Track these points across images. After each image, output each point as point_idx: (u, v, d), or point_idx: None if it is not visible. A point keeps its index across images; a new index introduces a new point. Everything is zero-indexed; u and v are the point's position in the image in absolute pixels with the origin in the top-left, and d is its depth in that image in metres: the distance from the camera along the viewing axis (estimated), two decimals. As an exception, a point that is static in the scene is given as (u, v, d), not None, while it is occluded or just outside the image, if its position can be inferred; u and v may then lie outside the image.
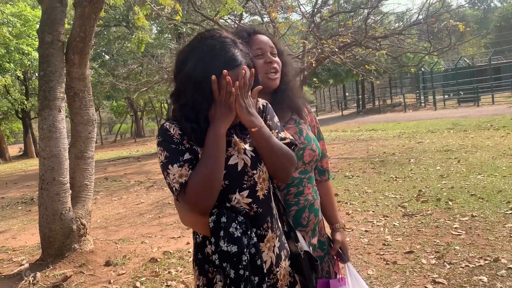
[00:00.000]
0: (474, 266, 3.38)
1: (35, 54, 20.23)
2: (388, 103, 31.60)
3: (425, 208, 5.07)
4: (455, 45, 11.77)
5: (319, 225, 1.81)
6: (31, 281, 3.93)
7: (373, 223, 4.78)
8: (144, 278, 3.88)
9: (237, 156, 1.36)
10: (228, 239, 1.25)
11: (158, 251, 4.66)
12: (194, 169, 1.28)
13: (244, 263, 1.25)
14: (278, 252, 1.42)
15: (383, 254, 3.84)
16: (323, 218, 1.91)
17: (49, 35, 4.27)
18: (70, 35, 4.46)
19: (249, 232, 1.30)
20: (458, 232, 4.17)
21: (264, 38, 1.67)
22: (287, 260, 1.46)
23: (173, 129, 1.33)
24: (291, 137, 1.48)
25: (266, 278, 1.34)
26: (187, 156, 1.30)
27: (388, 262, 3.65)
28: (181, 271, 3.99)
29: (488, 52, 32.85)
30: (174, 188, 1.29)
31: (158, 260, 4.32)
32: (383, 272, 3.46)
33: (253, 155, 1.38)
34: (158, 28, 17.83)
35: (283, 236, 1.49)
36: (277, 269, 1.41)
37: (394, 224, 4.65)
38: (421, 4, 12.75)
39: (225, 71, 1.24)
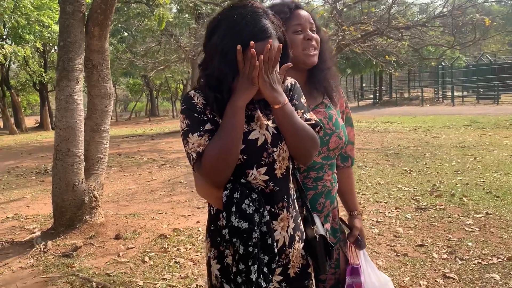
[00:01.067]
0: (486, 263, 3.33)
1: (55, 27, 20.28)
2: (405, 96, 31.19)
3: (438, 203, 5.00)
4: (479, 40, 11.49)
5: (333, 212, 1.77)
6: (42, 249, 3.98)
7: (385, 214, 4.73)
8: (153, 254, 3.91)
9: (259, 132, 1.32)
10: (240, 215, 1.23)
11: (168, 228, 4.68)
12: (211, 140, 1.26)
13: (254, 240, 1.23)
14: (292, 233, 1.40)
15: (394, 246, 3.81)
16: (341, 204, 1.88)
17: (70, 6, 4.24)
18: (91, 7, 4.44)
19: (261, 210, 1.27)
20: (472, 228, 4.10)
21: (304, 13, 1.62)
22: (300, 242, 1.43)
23: (197, 98, 1.32)
24: (316, 119, 1.43)
25: (277, 258, 1.31)
26: (208, 126, 1.28)
27: (399, 254, 3.61)
28: (190, 249, 4.00)
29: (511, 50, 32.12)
30: (191, 157, 1.28)
31: (168, 236, 4.35)
32: (393, 264, 3.43)
33: (275, 132, 1.34)
34: (178, 7, 17.76)
35: (299, 218, 1.46)
36: (290, 249, 1.39)
37: (406, 217, 4.60)
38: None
39: (252, 42, 1.20)
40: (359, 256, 1.84)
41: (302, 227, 1.46)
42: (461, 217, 4.45)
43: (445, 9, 11.59)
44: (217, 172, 1.25)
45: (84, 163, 4.41)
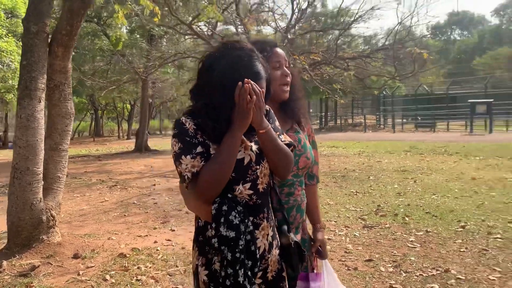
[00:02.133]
0: (427, 275, 3.68)
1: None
2: (349, 122, 32.61)
3: (383, 222, 5.39)
4: (418, 72, 12.44)
5: (303, 225, 2.01)
6: (-4, 269, 3.89)
7: (335, 232, 5.04)
8: (113, 272, 3.94)
9: (244, 152, 1.52)
10: (228, 225, 1.41)
11: (126, 247, 4.71)
12: (208, 162, 1.43)
13: (240, 247, 1.41)
14: (271, 241, 1.59)
15: (344, 261, 4.09)
16: (307, 218, 2.11)
17: (34, 26, 4.29)
18: (56, 28, 4.50)
19: (246, 221, 1.46)
20: (414, 244, 4.49)
21: (281, 51, 1.86)
22: (277, 249, 1.63)
23: (189, 123, 1.48)
24: (290, 139, 1.67)
25: (259, 263, 1.51)
26: (199, 149, 1.45)
27: (350, 268, 3.90)
28: (150, 267, 4.07)
29: (446, 82, 34.59)
30: (186, 177, 1.44)
31: (127, 255, 4.38)
32: (345, 277, 3.70)
33: (258, 152, 1.55)
34: (129, 27, 17.76)
35: (276, 227, 1.67)
36: (269, 255, 1.58)
37: (354, 234, 4.93)
38: (388, 30, 13.41)
39: (247, 80, 1.40)
40: (321, 265, 2.07)
41: (277, 235, 1.66)
42: (404, 235, 4.84)
43: (387, 42, 12.50)
44: (211, 190, 1.44)
45: (42, 182, 4.38)
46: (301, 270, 1.94)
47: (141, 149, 18.14)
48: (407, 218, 5.50)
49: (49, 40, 4.46)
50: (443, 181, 8.10)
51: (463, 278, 3.58)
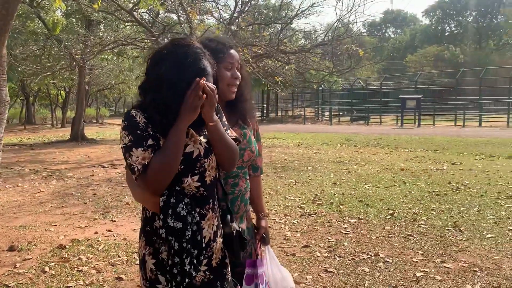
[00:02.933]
0: (358, 259, 3.97)
1: None
2: (290, 114, 33.34)
3: (320, 210, 5.69)
4: (354, 67, 13.01)
5: (247, 214, 2.14)
6: None
7: (275, 221, 5.26)
8: (53, 264, 3.89)
9: (193, 146, 1.61)
10: (175, 217, 1.49)
11: (65, 238, 4.63)
12: (156, 154, 1.50)
13: (187, 237, 1.50)
14: (215, 230, 1.69)
15: (283, 247, 4.31)
16: (251, 207, 2.26)
17: (-34, 8, 4.07)
18: (-11, 11, 4.28)
19: (193, 212, 1.55)
20: (347, 231, 4.80)
21: (235, 53, 1.96)
22: (220, 238, 1.74)
23: (139, 116, 1.54)
24: (236, 135, 1.79)
25: (204, 251, 1.62)
26: (150, 142, 1.51)
27: (288, 254, 4.12)
28: (91, 258, 4.06)
29: (380, 77, 36.28)
30: (136, 169, 1.49)
31: (67, 247, 4.32)
32: (284, 262, 3.91)
33: (206, 146, 1.64)
34: (64, 11, 16.94)
35: (220, 217, 1.78)
36: (214, 244, 1.68)
37: (293, 222, 5.18)
38: (328, 26, 13.88)
39: (197, 79, 1.48)
40: (264, 251, 2.23)
41: (221, 224, 1.78)
42: (338, 222, 5.16)
43: (326, 38, 12.94)
44: (160, 182, 1.50)
45: (-26, 172, 4.19)
46: (245, 257, 2.08)
47: (77, 138, 17.51)
48: (341, 207, 5.84)
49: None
50: (375, 172, 8.61)
51: (390, 261, 3.91)
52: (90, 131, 21.31)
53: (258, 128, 2.24)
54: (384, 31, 73.65)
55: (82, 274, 3.70)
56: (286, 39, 14.24)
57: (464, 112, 23.12)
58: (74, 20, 16.70)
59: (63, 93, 35.63)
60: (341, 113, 30.95)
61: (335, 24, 11.69)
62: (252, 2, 13.89)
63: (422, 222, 5.06)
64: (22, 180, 8.51)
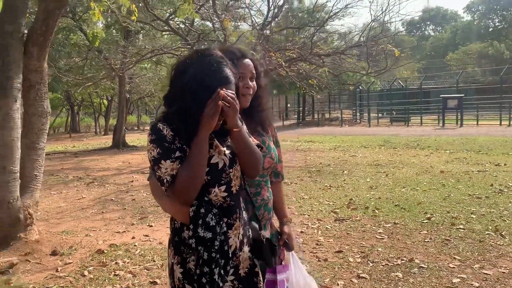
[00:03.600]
0: (392, 264, 3.90)
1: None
2: (326, 117, 33.02)
3: (354, 215, 5.62)
4: (390, 68, 12.76)
5: (270, 221, 2.17)
6: (-26, 267, 3.95)
7: (308, 226, 5.24)
8: (91, 268, 4.04)
9: (217, 156, 1.64)
10: (205, 227, 1.53)
11: (104, 243, 4.80)
12: (182, 165, 1.53)
13: (216, 247, 1.54)
14: (241, 239, 1.71)
15: (316, 253, 4.29)
16: (274, 213, 2.27)
17: (9, 25, 4.32)
18: (31, 28, 4.53)
19: (221, 222, 1.59)
20: (382, 236, 4.72)
21: (248, 62, 1.97)
22: (247, 246, 1.75)
23: (166, 129, 1.58)
24: (258, 141, 1.81)
25: (230, 261, 1.63)
26: (177, 153, 1.55)
27: (320, 259, 4.10)
28: (128, 262, 4.19)
29: (420, 77, 35.36)
30: (165, 180, 1.53)
31: (105, 251, 4.48)
32: (316, 268, 3.90)
33: (231, 156, 1.67)
34: (105, 22, 17.59)
35: (247, 226, 1.78)
36: (240, 253, 1.70)
37: (326, 227, 5.14)
38: (363, 26, 13.68)
39: (218, 89, 1.51)
40: (289, 257, 2.24)
41: (249, 233, 1.78)
42: (373, 227, 5.08)
43: (361, 39, 12.78)
44: (188, 192, 1.54)
45: (19, 180, 4.43)
46: (276, 263, 2.10)
47: (119, 145, 18.06)
48: (377, 211, 5.75)
49: (25, 40, 4.49)
50: (413, 175, 8.41)
51: (426, 266, 3.81)
52: (131, 138, 21.94)
53: (277, 134, 2.26)
54: (423, 29, 71.77)
55: (118, 278, 3.82)
56: (320, 41, 14.20)
57: (510, 110, 22.13)
58: (114, 31, 17.34)
59: (105, 101, 36.86)
60: (380, 115, 30.37)
61: (370, 25, 11.52)
62: (286, 6, 13.93)
63: (461, 226, 4.90)
64: (66, 187, 8.88)
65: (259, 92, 2.04)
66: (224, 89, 1.53)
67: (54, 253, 4.39)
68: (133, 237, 5.05)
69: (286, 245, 2.22)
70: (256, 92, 2.04)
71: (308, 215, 5.74)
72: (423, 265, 3.84)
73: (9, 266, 3.97)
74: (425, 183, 7.49)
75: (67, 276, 3.87)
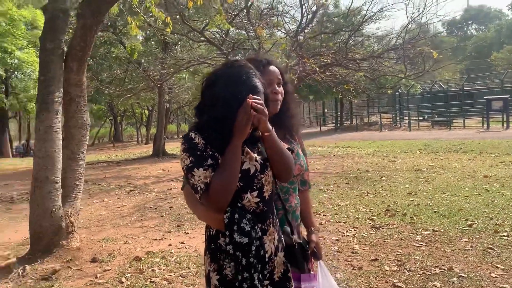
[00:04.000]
0: (430, 273, 3.78)
1: (18, 53, 20.22)
2: (365, 122, 32.47)
3: (391, 222, 5.49)
4: (428, 70, 12.43)
5: (297, 229, 2.16)
6: (20, 273, 4.15)
7: (344, 233, 5.16)
8: (129, 275, 4.15)
9: (249, 163, 1.67)
10: (241, 232, 1.55)
11: (141, 250, 4.92)
12: (215, 172, 1.56)
13: (253, 252, 1.56)
14: (276, 244, 1.73)
15: (350, 261, 4.22)
16: (301, 221, 2.27)
17: (50, 43, 4.55)
18: (70, 44, 4.75)
19: (256, 227, 1.60)
20: (419, 244, 4.59)
21: (274, 69, 2.01)
22: (282, 251, 1.77)
23: (198, 138, 1.62)
24: (288, 146, 1.83)
25: (267, 266, 1.65)
26: (210, 161, 1.58)
27: (355, 268, 4.03)
28: (164, 269, 4.27)
29: (463, 78, 34.19)
30: (199, 188, 1.56)
31: (142, 259, 4.60)
32: (350, 276, 3.83)
33: (262, 162, 1.70)
34: (144, 35, 18.14)
35: (280, 231, 1.81)
36: (275, 258, 1.72)
37: (362, 235, 5.05)
38: (400, 29, 13.42)
39: (250, 95, 1.55)
40: (317, 266, 2.22)
41: (282, 238, 1.81)
42: (410, 234, 4.94)
43: (397, 42, 12.53)
44: (222, 198, 1.57)
45: (61, 190, 4.63)
46: (306, 269, 2.09)
47: (159, 153, 18.49)
48: (415, 218, 5.59)
49: (64, 55, 4.71)
50: (454, 180, 8.12)
51: (466, 276, 3.67)
52: (170, 147, 22.39)
53: (303, 143, 2.27)
54: (465, 29, 69.43)
55: (154, 285, 3.91)
56: (357, 45, 14.01)
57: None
58: (153, 43, 17.84)
59: (146, 111, 37.89)
60: (420, 118, 29.54)
61: (406, 27, 11.28)
62: (320, 11, 13.86)
63: (505, 234, 4.69)
64: (108, 195, 9.18)
65: (286, 98, 2.06)
66: (252, 97, 1.56)
67: (94, 260, 4.54)
68: (170, 244, 5.15)
69: (314, 254, 2.20)
70: (284, 98, 2.06)
71: (344, 223, 5.66)
72: (463, 274, 3.70)
73: (52, 273, 4.15)
74: (467, 189, 7.22)
75: (106, 282, 3.99)
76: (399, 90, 28.85)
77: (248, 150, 1.68)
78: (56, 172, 4.53)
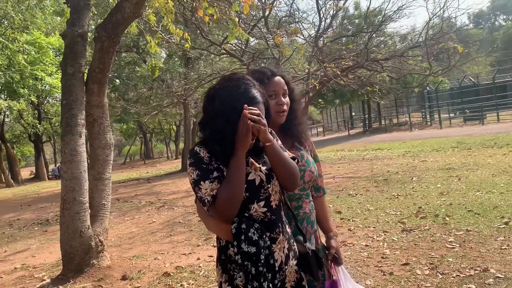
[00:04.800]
0: (464, 275, 3.63)
1: (48, 79, 20.95)
2: (394, 122, 31.86)
3: (423, 224, 5.33)
4: (455, 65, 12.11)
5: (315, 235, 2.12)
6: (53, 294, 4.24)
7: (373, 238, 5.04)
8: (158, 291, 4.18)
9: (254, 173, 1.67)
10: (248, 242, 1.56)
11: (170, 266, 4.95)
12: (221, 185, 1.58)
13: (262, 261, 1.55)
14: (287, 253, 1.72)
15: (381, 266, 4.11)
16: (319, 228, 2.23)
17: (71, 67, 4.68)
18: (89, 67, 4.87)
19: (264, 236, 1.60)
20: (453, 245, 4.42)
21: (279, 80, 2.01)
22: (294, 260, 1.75)
23: (203, 152, 1.65)
24: (293, 154, 1.81)
25: (277, 275, 1.64)
26: (215, 174, 1.61)
27: (385, 273, 3.92)
28: (192, 284, 4.28)
29: (493, 70, 33.12)
30: (206, 200, 1.59)
31: (171, 274, 4.62)
32: (380, 282, 3.73)
33: (267, 172, 1.70)
34: (167, 52, 18.46)
35: (292, 239, 1.79)
36: (286, 267, 1.71)
37: (393, 239, 4.91)
38: (423, 26, 13.14)
39: (245, 105, 1.56)
40: (338, 271, 2.17)
41: (295, 246, 1.79)
42: (443, 236, 4.78)
43: (421, 39, 12.28)
44: (229, 209, 1.58)
45: (89, 210, 4.72)
46: (321, 277, 2.06)
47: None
48: (447, 218, 5.41)
49: (85, 79, 4.83)
50: (489, 176, 7.83)
51: (502, 276, 3.51)
52: (199, 160, 22.52)
53: (315, 149, 2.24)
54: (493, 20, 67.50)
55: (183, 300, 3.91)
56: (379, 46, 13.82)
57: None
58: (177, 59, 18.13)
59: (174, 127, 38.46)
60: (451, 115, 28.73)
61: (427, 23, 11.04)
62: (340, 14, 13.76)
63: (544, 231, 4.47)
64: (138, 212, 9.31)
65: (293, 106, 2.07)
66: (247, 107, 1.56)
67: (124, 278, 4.59)
68: (198, 258, 5.16)
69: (335, 260, 2.16)
70: (291, 107, 2.07)
71: (374, 227, 5.53)
72: (499, 275, 3.54)
73: (83, 292, 4.22)
74: (502, 185, 6.94)
75: (135, 299, 4.03)
76: (427, 87, 28.21)
77: (253, 160, 1.69)
78: (83, 193, 4.63)
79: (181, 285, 4.29)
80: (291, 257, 1.73)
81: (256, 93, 1.64)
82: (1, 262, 6.29)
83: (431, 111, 30.13)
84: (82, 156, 4.64)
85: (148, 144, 45.07)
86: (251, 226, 1.58)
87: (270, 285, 1.57)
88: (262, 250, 1.55)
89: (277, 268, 1.62)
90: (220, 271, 1.72)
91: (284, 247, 1.70)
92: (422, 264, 4.03)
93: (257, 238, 1.56)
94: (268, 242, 1.61)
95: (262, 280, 1.53)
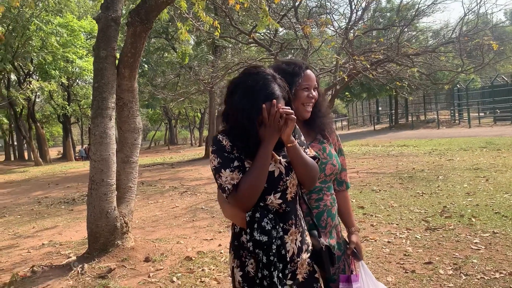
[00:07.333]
0: (489, 278, 3.57)
1: (79, 62, 21.37)
2: (421, 119, 31.28)
3: (447, 223, 5.25)
4: (488, 63, 11.76)
5: (336, 229, 2.13)
6: (79, 271, 4.37)
7: (396, 235, 5.00)
8: (180, 274, 4.26)
9: (274, 165, 1.69)
10: (261, 230, 1.59)
11: (192, 250, 5.03)
12: (245, 175, 1.61)
13: (273, 251, 1.58)
14: (300, 245, 1.73)
15: (403, 264, 4.08)
16: (340, 222, 2.23)
17: (103, 51, 4.75)
18: (121, 51, 4.94)
19: (277, 227, 1.63)
20: (478, 246, 4.35)
21: (312, 74, 2.03)
22: (306, 253, 1.77)
23: (225, 141, 1.68)
24: (315, 153, 1.82)
25: (289, 265, 1.67)
26: (236, 163, 1.64)
27: (407, 271, 3.89)
28: (213, 269, 4.34)
29: (528, 70, 32.07)
30: (226, 188, 1.62)
31: (193, 258, 4.70)
32: (401, 280, 3.70)
33: (286, 165, 1.71)
34: (196, 39, 18.53)
35: (305, 233, 1.80)
36: (298, 259, 1.72)
37: (416, 237, 4.86)
38: (457, 21, 12.81)
39: (274, 100, 1.57)
40: (358, 266, 2.17)
41: (308, 240, 1.80)
42: (468, 236, 4.70)
43: (453, 35, 11.96)
44: (250, 200, 1.61)
45: (116, 192, 4.83)
46: (337, 273, 2.06)
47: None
48: (473, 219, 5.31)
49: (117, 62, 4.91)
50: (518, 179, 7.64)
51: (529, 281, 3.44)
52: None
53: (340, 143, 2.23)
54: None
55: (204, 284, 3.98)
56: (411, 40, 13.54)
57: None
58: (205, 47, 18.20)
59: (199, 114, 38.73)
60: (481, 114, 28.00)
61: (462, 19, 10.74)
62: (372, 6, 13.51)
63: None
64: (162, 196, 9.46)
65: (318, 99, 2.08)
66: (275, 103, 1.58)
67: (147, 260, 4.69)
68: (219, 245, 5.22)
69: (354, 255, 2.17)
70: (316, 100, 2.07)
71: (397, 224, 5.47)
72: (525, 280, 3.47)
73: (108, 271, 4.33)
74: (532, 188, 6.76)
75: (158, 282, 4.11)
76: (457, 85, 27.53)
77: (273, 152, 1.69)
78: (111, 175, 4.73)
79: (203, 269, 4.36)
80: (304, 250, 1.75)
81: (275, 88, 1.64)
82: (30, 238, 6.51)
83: (460, 110, 29.44)
84: (111, 138, 4.73)
85: (173, 130, 45.56)
86: (265, 216, 1.61)
87: (280, 274, 1.60)
88: (274, 240, 1.58)
89: (288, 259, 1.65)
90: (232, 256, 1.76)
91: (296, 239, 1.72)
92: (445, 264, 3.98)
93: (270, 228, 1.59)
94: (281, 233, 1.63)
95: (272, 269, 1.56)
